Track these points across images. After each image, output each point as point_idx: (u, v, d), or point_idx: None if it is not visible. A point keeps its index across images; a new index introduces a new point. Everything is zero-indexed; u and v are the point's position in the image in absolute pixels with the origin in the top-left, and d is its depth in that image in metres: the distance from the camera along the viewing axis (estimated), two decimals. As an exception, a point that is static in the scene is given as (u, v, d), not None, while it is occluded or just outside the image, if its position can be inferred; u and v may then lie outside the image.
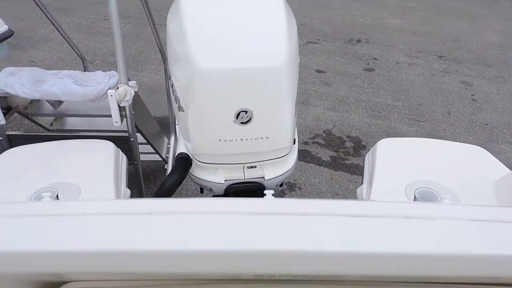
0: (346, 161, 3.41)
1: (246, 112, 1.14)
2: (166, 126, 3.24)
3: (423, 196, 1.15)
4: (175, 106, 1.35)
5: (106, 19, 6.27)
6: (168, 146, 3.19)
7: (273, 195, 0.95)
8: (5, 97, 1.87)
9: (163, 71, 2.84)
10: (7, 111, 1.90)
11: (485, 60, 5.47)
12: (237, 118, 1.15)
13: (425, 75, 4.93)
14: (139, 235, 0.52)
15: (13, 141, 2.01)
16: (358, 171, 3.30)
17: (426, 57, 5.49)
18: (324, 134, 3.75)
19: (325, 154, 3.47)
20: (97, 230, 0.54)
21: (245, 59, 1.08)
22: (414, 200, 1.13)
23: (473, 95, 4.49)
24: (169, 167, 2.99)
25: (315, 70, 4.93)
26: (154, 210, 0.58)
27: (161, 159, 2.98)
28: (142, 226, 0.53)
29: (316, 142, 3.62)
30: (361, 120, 3.98)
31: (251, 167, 1.34)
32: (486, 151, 1.41)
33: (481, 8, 8.00)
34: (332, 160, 3.42)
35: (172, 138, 3.28)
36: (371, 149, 1.52)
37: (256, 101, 1.13)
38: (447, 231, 0.50)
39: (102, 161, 1.50)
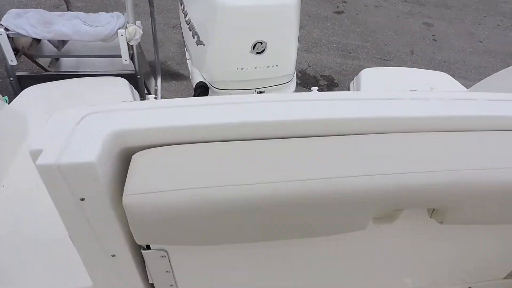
0: (322, 98, 3.71)
1: (261, 43, 1.37)
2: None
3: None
4: (192, 41, 1.55)
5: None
6: (156, 88, 3.35)
7: (317, 90, 1.22)
8: (12, 39, 1.96)
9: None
10: (16, 52, 2.00)
11: (445, 2, 5.79)
12: (253, 49, 1.38)
13: (391, 17, 5.21)
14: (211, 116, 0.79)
15: (22, 82, 2.13)
16: (332, 106, 3.62)
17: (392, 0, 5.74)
18: (300, 74, 4.01)
19: (301, 92, 3.76)
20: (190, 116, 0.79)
21: (263, -3, 1.30)
22: None
23: (434, 35, 4.85)
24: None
25: (288, 13, 5.07)
26: (214, 101, 0.83)
27: (152, 99, 3.14)
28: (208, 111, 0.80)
29: (294, 81, 3.88)
30: (334, 60, 4.26)
31: (260, 92, 1.60)
32: (450, 76, 1.75)
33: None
34: (309, 97, 3.71)
35: (159, 80, 3.43)
36: (355, 77, 1.81)
37: (270, 33, 1.37)
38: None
39: (122, 95, 1.70)
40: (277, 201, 0.68)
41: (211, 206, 0.67)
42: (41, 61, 2.40)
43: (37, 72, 2.33)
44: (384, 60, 4.30)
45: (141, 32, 1.90)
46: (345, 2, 5.52)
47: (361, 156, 0.74)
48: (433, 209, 0.83)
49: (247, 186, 0.67)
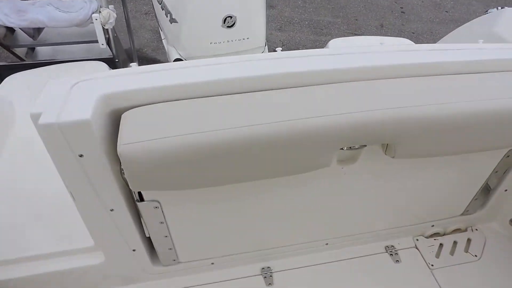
0: (297, 75, 3.83)
1: (231, 17, 1.46)
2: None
3: None
4: (165, 20, 1.63)
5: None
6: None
7: (281, 50, 1.33)
8: (-14, 29, 1.99)
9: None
10: (-8, 43, 2.03)
11: (412, -25, 5.93)
12: (224, 23, 1.47)
13: (360, -8, 5.32)
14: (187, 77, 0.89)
15: (1, 72, 2.16)
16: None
17: (360, -26, 5.84)
18: (274, 53, 4.11)
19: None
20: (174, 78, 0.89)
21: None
22: None
23: (402, 7, 4.99)
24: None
25: (259, -7, 5.13)
26: (193, 64, 0.93)
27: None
28: (190, 71, 0.90)
29: (269, 60, 3.97)
30: (307, 38, 4.36)
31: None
32: (411, 41, 1.89)
33: None
34: (284, 74, 3.82)
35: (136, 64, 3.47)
36: (324, 48, 1.92)
37: (238, 7, 1.46)
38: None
39: None
40: (250, 141, 0.79)
41: (193, 149, 0.78)
42: (17, 51, 2.42)
43: (14, 62, 2.36)
44: (355, 35, 4.43)
45: (115, 15, 1.95)
46: (315, -20, 5.59)
47: (319, 101, 0.86)
48: (387, 146, 0.95)
49: (225, 131, 0.78)
